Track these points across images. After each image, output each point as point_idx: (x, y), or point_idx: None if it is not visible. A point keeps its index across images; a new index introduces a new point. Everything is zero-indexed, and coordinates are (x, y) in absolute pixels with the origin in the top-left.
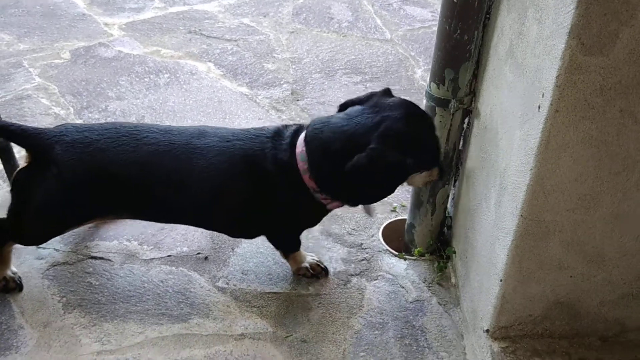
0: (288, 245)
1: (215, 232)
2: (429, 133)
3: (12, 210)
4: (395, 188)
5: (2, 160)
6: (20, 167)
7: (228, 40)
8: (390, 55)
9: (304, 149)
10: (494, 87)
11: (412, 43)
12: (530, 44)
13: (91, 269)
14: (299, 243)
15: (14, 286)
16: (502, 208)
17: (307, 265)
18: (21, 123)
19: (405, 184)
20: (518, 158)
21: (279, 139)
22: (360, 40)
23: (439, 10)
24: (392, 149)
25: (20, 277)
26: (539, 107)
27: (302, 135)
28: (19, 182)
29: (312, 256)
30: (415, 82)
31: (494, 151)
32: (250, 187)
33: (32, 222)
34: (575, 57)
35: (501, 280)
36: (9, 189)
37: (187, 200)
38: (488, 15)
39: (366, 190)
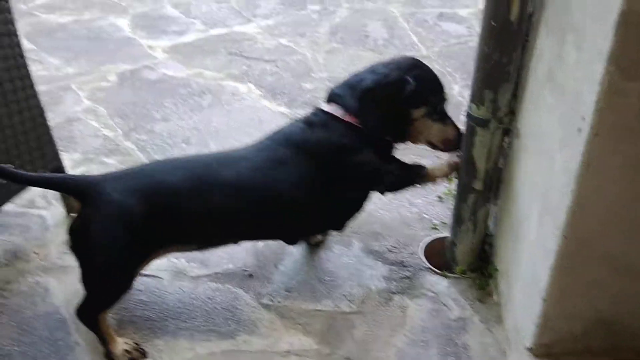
0: (402, 179)
1: (258, 249)
2: (431, 72)
3: (82, 272)
4: (400, 110)
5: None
6: (72, 219)
7: (267, 61)
8: None
9: (338, 108)
10: (533, 108)
11: (448, 59)
12: (570, 68)
13: (142, 286)
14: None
15: (138, 355)
16: (543, 228)
17: None
18: (69, 151)
19: (424, 139)
20: (559, 179)
21: (313, 120)
22: None
23: (474, 25)
24: (394, 70)
25: (140, 346)
26: (579, 130)
27: (327, 101)
28: (75, 233)
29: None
30: (453, 98)
31: (535, 171)
32: (320, 174)
33: (102, 273)
34: (614, 82)
35: (543, 299)
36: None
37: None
38: (527, 37)
39: (382, 113)
